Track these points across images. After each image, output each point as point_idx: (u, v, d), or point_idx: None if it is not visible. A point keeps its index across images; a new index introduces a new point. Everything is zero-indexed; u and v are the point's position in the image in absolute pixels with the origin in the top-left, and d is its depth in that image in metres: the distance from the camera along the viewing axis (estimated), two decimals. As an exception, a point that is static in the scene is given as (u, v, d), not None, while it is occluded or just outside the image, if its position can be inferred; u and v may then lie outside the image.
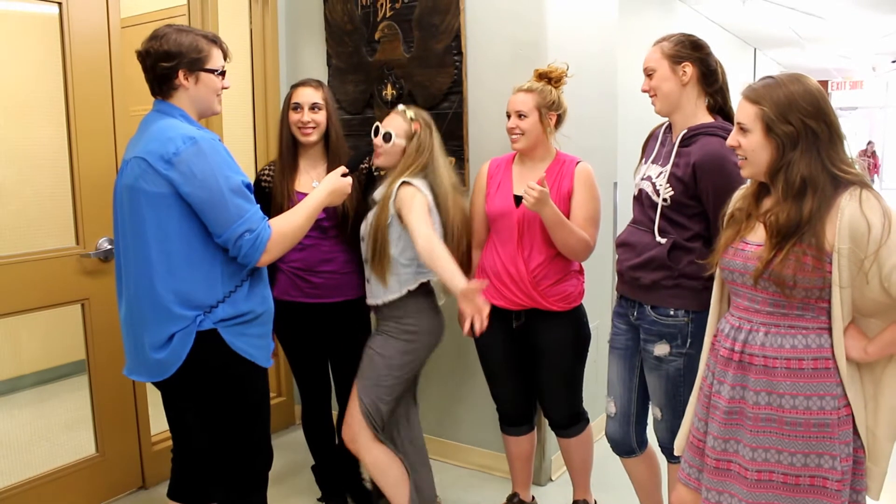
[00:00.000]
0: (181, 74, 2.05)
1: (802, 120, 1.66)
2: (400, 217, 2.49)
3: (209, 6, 3.30)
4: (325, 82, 3.51)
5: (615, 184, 3.58)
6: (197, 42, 2.06)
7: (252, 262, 2.05)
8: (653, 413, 2.41)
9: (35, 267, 2.77)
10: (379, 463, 2.60)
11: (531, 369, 2.70)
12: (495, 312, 2.60)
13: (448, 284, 2.31)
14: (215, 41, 2.13)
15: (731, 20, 8.18)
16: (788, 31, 8.86)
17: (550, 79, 2.57)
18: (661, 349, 2.30)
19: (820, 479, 1.70)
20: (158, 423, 3.26)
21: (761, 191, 1.82)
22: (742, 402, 1.79)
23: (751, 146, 1.74)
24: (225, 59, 2.17)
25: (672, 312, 2.27)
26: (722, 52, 9.91)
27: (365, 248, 2.60)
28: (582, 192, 2.56)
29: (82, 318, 2.94)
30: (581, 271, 2.68)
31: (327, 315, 2.77)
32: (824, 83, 14.92)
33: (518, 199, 2.56)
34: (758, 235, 1.78)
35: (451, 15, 3.08)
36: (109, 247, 2.91)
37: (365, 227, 2.60)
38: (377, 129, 2.61)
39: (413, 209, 2.45)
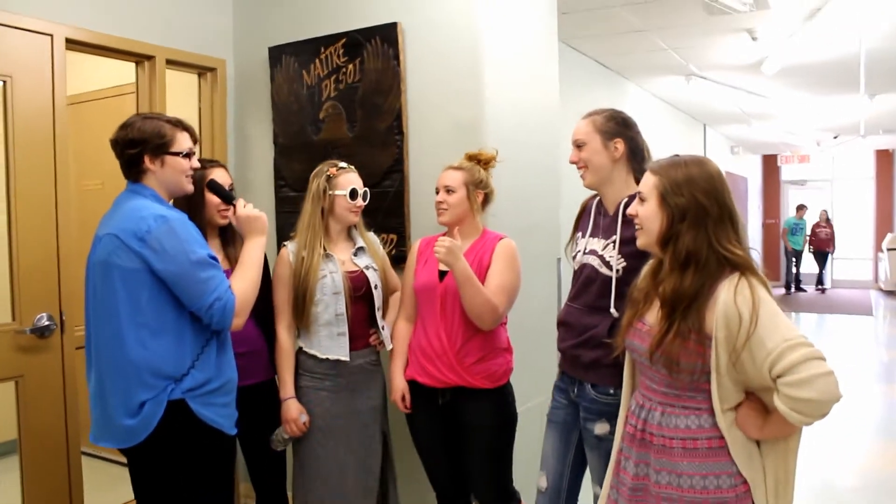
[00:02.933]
0: (147, 159, 2.18)
1: (694, 195, 1.74)
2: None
3: (157, 85, 3.35)
4: (272, 160, 3.58)
5: (559, 259, 3.61)
6: (160, 128, 2.19)
7: (225, 326, 2.17)
8: (594, 490, 2.37)
9: (-33, 344, 2.71)
10: None
11: (458, 447, 2.68)
12: (421, 390, 2.62)
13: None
14: (179, 125, 2.25)
15: (678, 97, 8.45)
16: (734, 107, 9.18)
17: (480, 160, 2.66)
18: (601, 428, 2.28)
19: None
20: (95, 500, 3.19)
21: (659, 269, 1.87)
22: (646, 480, 1.81)
23: (646, 214, 1.82)
24: (194, 142, 2.28)
25: (612, 391, 2.24)
26: (672, 127, 10.20)
27: (379, 297, 2.72)
28: (498, 263, 2.57)
29: (15, 395, 2.86)
30: (509, 349, 2.68)
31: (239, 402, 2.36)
32: (773, 157, 15.36)
33: (442, 274, 2.59)
34: (654, 314, 1.83)
35: (394, 95, 3.16)
36: (47, 323, 2.88)
37: (375, 278, 2.71)
38: (354, 191, 2.68)
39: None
